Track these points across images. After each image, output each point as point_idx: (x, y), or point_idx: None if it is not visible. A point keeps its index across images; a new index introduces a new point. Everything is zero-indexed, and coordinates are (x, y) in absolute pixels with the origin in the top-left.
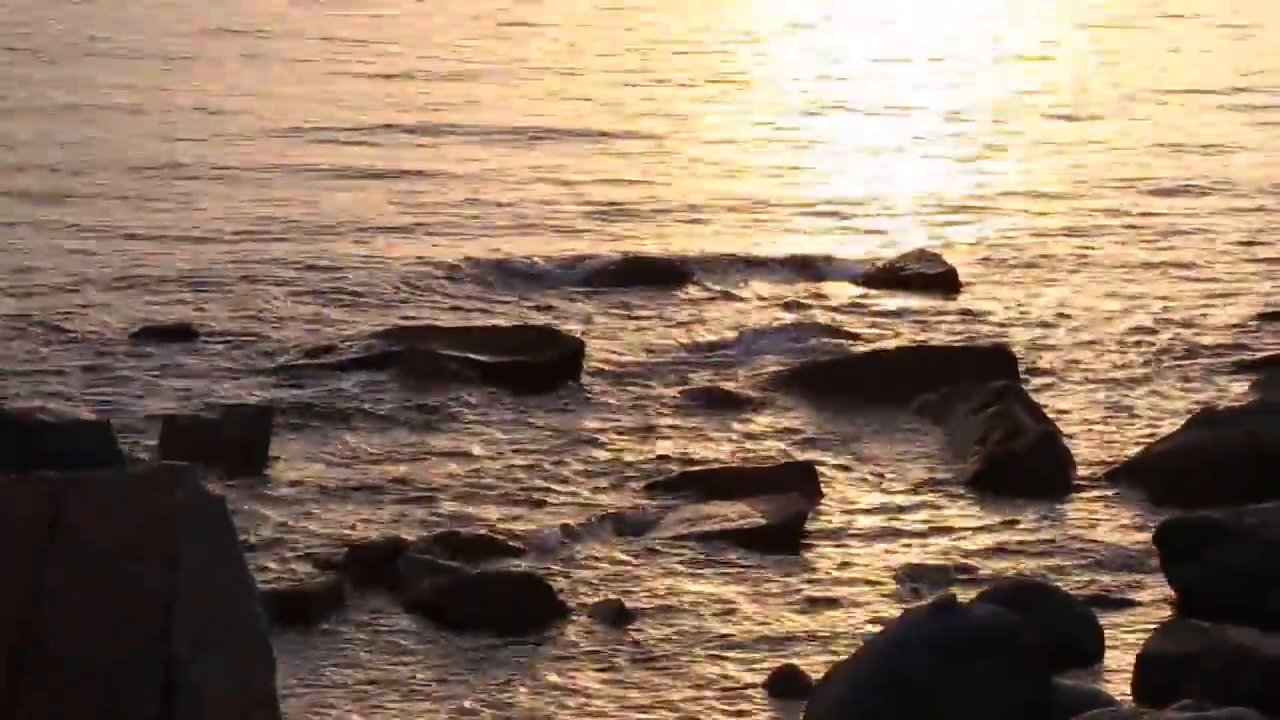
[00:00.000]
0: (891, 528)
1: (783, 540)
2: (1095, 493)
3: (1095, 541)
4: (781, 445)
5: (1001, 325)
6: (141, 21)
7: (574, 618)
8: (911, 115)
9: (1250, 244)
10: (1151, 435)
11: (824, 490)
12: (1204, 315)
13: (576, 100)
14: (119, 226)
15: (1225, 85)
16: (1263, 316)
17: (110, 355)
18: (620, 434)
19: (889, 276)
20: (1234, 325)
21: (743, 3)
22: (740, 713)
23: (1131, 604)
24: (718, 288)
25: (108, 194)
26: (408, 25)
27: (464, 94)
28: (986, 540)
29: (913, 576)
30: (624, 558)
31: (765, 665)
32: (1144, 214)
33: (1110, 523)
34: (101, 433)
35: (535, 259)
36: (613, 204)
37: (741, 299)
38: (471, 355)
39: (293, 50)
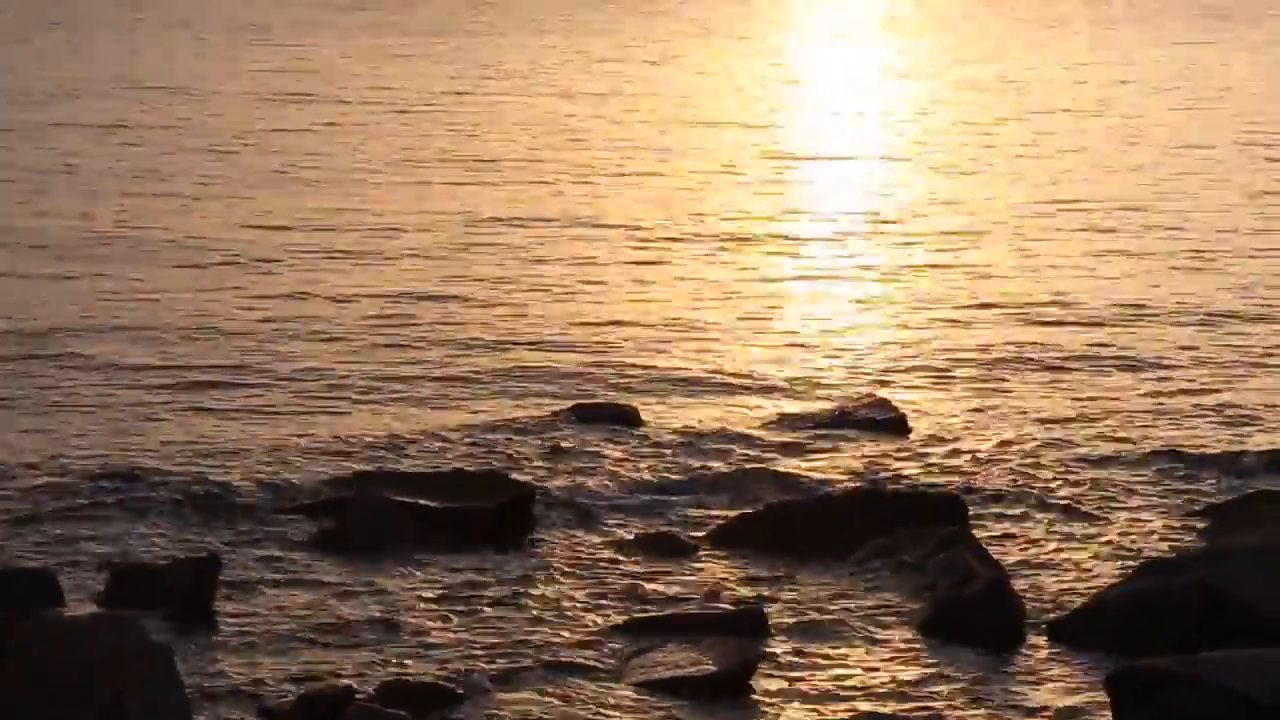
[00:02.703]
0: (841, 674)
1: (732, 687)
2: (1046, 639)
3: (1046, 689)
4: (731, 591)
5: (951, 470)
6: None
7: None
8: (859, 247)
9: (1201, 383)
10: (1102, 581)
11: (773, 636)
12: (1154, 460)
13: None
14: (67, 369)
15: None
16: (1213, 460)
17: (54, 501)
18: (569, 580)
19: (839, 422)
20: (1185, 470)
21: (674, 147)
22: None
23: None
24: (666, 432)
25: (51, 338)
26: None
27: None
28: (936, 687)
29: None
30: (573, 706)
31: None
32: (1094, 352)
33: (1061, 670)
34: (44, 581)
35: (490, 404)
36: (568, 342)
37: (690, 444)
38: (421, 501)
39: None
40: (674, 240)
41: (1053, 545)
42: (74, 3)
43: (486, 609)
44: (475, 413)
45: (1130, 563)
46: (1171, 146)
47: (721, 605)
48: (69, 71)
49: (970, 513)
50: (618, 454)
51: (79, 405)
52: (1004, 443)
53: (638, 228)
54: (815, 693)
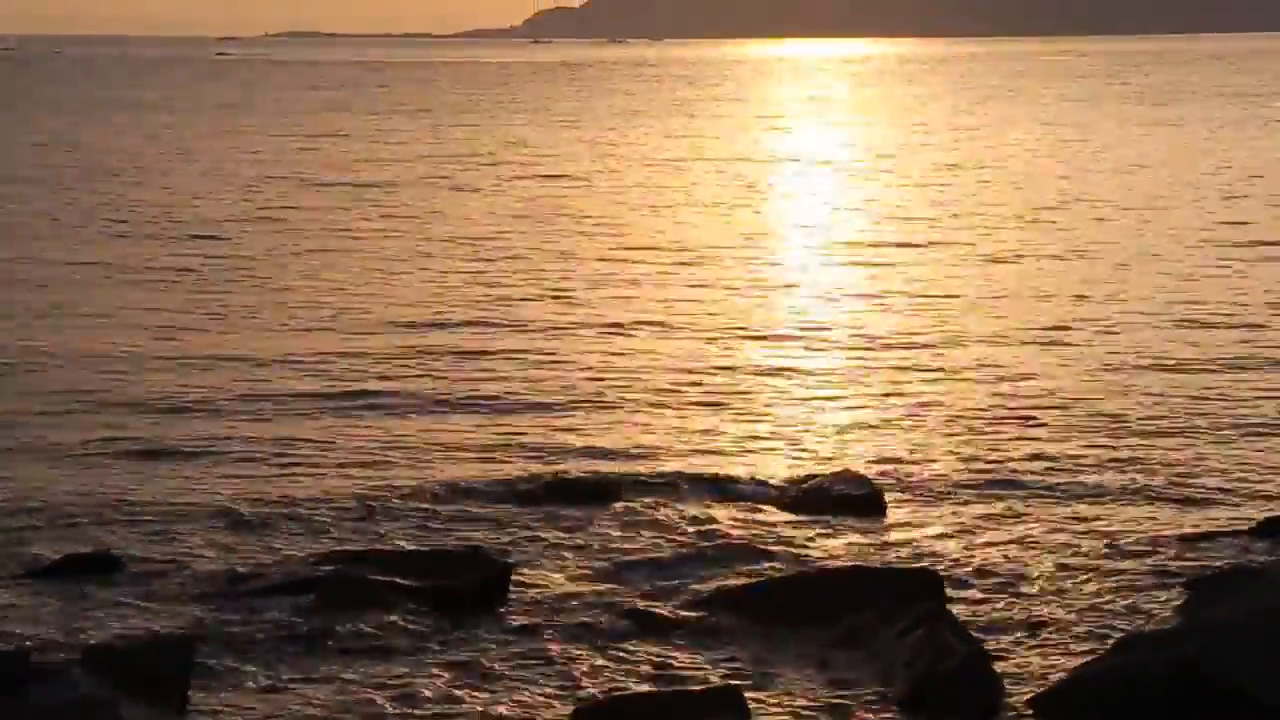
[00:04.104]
0: None
1: None
2: (1024, 716)
3: None
4: (707, 669)
5: (927, 546)
6: None
7: None
8: (837, 322)
9: (1178, 459)
10: (1081, 657)
11: (750, 715)
12: (1130, 534)
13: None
14: (32, 449)
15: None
16: (1189, 537)
17: (30, 585)
18: (546, 658)
19: (814, 498)
20: (1163, 545)
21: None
22: None
23: None
24: (644, 508)
25: (25, 421)
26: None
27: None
28: None
29: None
30: None
31: None
32: (1071, 426)
33: None
34: (16, 663)
35: (466, 480)
36: (546, 418)
37: (668, 520)
38: (397, 580)
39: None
40: (651, 320)
41: (1031, 620)
42: (32, 90)
43: (463, 690)
44: (452, 489)
45: (1109, 637)
46: (1149, 226)
47: (699, 684)
48: (47, 158)
49: (947, 588)
50: (595, 530)
51: (49, 483)
52: (980, 517)
53: (615, 303)
54: None
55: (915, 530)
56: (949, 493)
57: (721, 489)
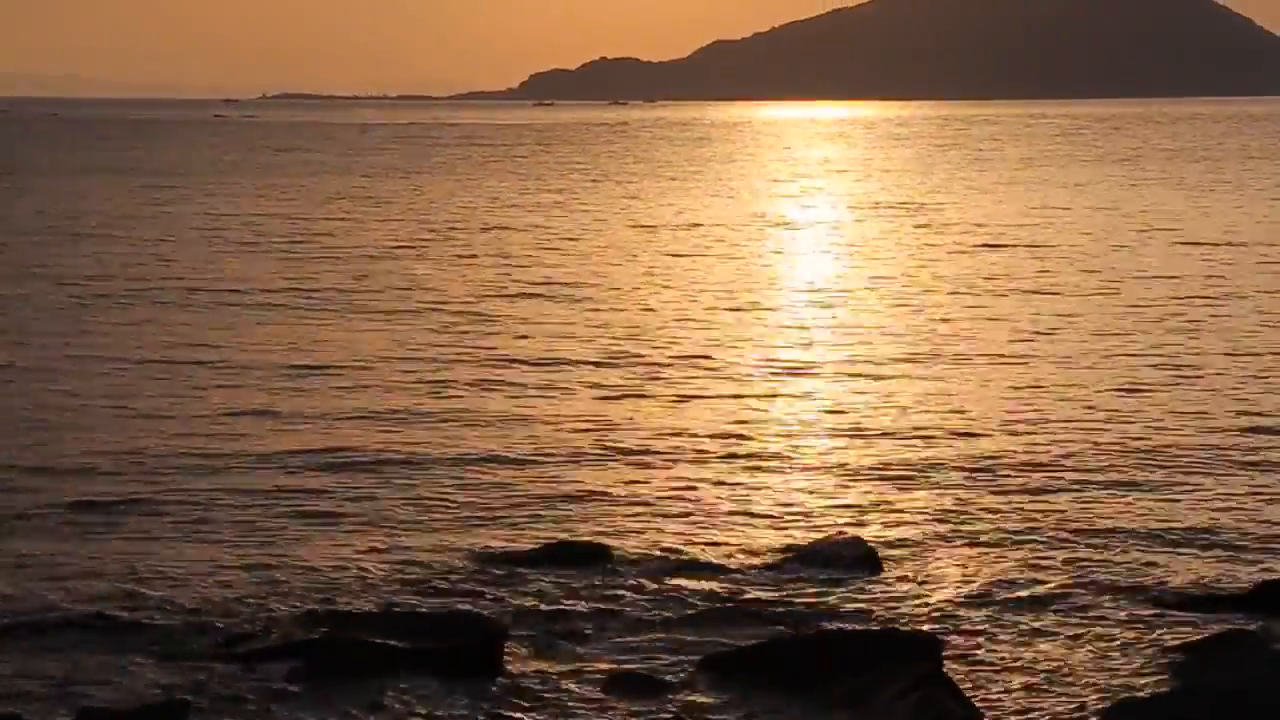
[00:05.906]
0: None
1: None
2: None
3: None
4: None
5: (924, 607)
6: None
7: None
8: (832, 382)
9: (1177, 518)
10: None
11: None
12: (1131, 596)
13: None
14: (36, 516)
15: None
16: (1187, 601)
17: (25, 647)
18: None
19: (811, 560)
20: (1161, 606)
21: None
22: None
23: None
24: (640, 572)
25: (22, 485)
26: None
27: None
28: None
29: None
30: None
31: None
32: (1069, 483)
33: None
34: None
35: (462, 543)
36: (538, 478)
37: (664, 583)
38: (392, 642)
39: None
40: (646, 387)
41: (1028, 682)
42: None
43: None
44: (448, 551)
45: (1106, 701)
46: (1137, 281)
47: None
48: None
49: (944, 650)
50: (589, 593)
51: (45, 545)
52: (976, 579)
53: (610, 360)
54: None
55: (912, 591)
56: (945, 554)
57: (718, 552)
